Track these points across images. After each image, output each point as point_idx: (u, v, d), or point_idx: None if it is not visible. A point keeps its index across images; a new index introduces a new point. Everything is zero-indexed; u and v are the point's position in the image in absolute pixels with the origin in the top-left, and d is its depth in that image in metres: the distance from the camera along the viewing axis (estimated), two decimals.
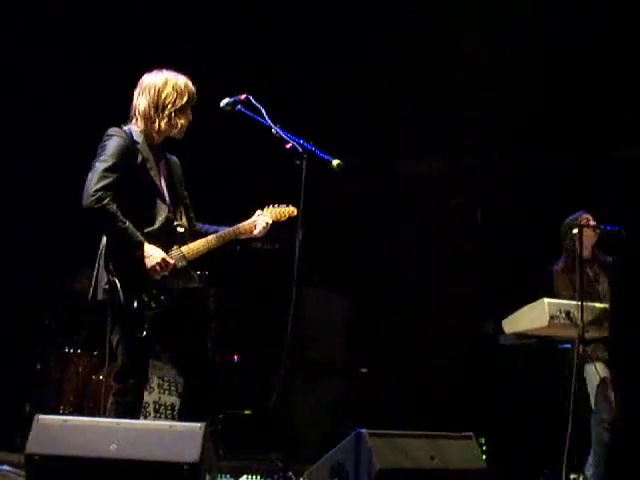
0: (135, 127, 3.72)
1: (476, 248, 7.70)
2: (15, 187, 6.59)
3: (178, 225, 3.74)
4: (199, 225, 3.94)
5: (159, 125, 3.70)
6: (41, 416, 3.12)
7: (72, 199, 6.55)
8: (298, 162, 3.46)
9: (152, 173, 3.69)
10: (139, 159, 3.67)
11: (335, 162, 3.45)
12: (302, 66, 7.28)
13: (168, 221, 3.69)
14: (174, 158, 3.93)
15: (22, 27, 6.62)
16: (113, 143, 3.62)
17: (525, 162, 7.49)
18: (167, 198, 3.72)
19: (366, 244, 7.93)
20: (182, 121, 3.74)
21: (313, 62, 7.29)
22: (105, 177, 3.53)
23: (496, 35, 6.75)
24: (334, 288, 7.80)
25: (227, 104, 3.75)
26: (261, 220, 3.90)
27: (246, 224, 3.90)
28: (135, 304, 3.53)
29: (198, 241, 3.77)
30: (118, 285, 3.52)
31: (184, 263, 3.69)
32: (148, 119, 3.71)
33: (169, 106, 3.70)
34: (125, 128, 3.70)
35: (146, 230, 3.61)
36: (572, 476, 4.91)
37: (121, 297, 3.51)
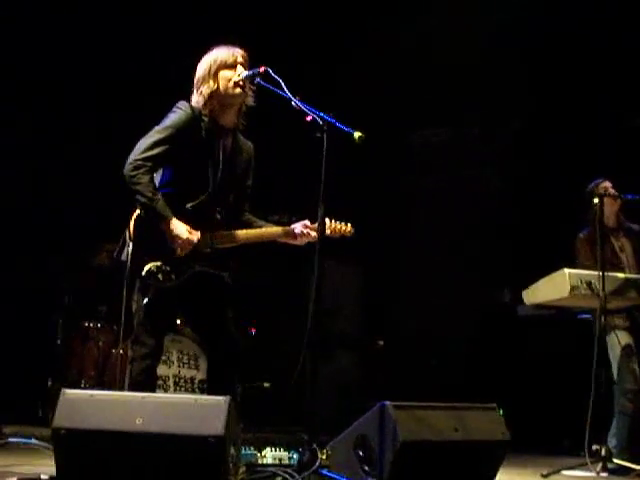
0: (199, 105, 3.75)
1: (493, 216, 7.67)
2: (33, 162, 6.61)
3: (216, 210, 3.75)
4: (251, 217, 3.93)
5: (202, 94, 3.72)
6: (67, 390, 3.14)
7: (88, 175, 6.61)
8: (319, 135, 3.42)
9: (208, 152, 3.71)
10: (201, 135, 3.69)
11: (357, 134, 3.39)
12: (306, 39, 7.23)
13: (207, 203, 3.70)
14: (248, 144, 3.93)
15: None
16: (175, 116, 3.68)
17: (542, 129, 7.43)
18: (214, 180, 3.72)
19: (381, 216, 7.92)
20: (212, 86, 3.71)
21: (320, 35, 7.24)
22: (151, 148, 3.60)
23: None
24: (349, 261, 7.80)
25: (246, 77, 3.72)
26: (305, 230, 3.84)
27: (289, 230, 3.85)
28: (143, 272, 3.59)
29: (232, 232, 3.77)
30: (129, 251, 3.62)
31: (208, 250, 3.70)
32: (196, 91, 3.76)
33: (198, 79, 3.76)
34: (194, 104, 3.74)
35: (182, 206, 3.65)
36: (594, 447, 4.92)
37: (129, 262, 3.60)
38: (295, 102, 3.55)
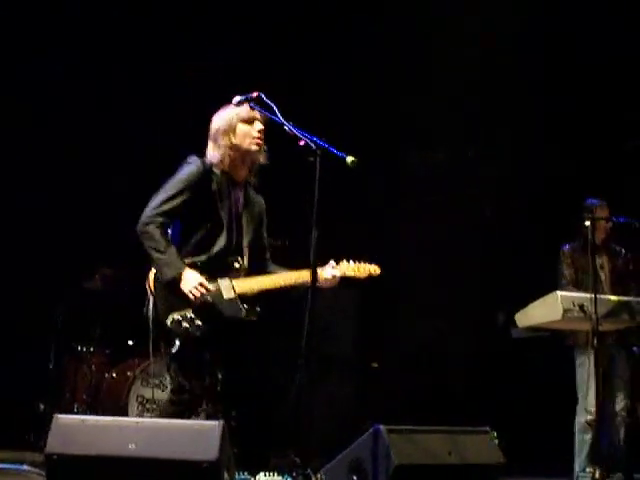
0: (213, 160, 3.81)
1: (486, 240, 7.70)
2: (32, 187, 6.62)
3: (234, 260, 3.80)
4: (275, 267, 3.97)
5: (220, 146, 3.79)
6: (60, 416, 3.14)
7: (86, 199, 6.61)
8: (312, 159, 3.44)
9: (220, 205, 3.77)
10: (212, 189, 3.76)
11: (349, 159, 3.42)
12: (302, 63, 7.28)
13: (223, 254, 3.76)
14: (258, 197, 4.00)
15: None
16: (186, 170, 3.77)
17: (537, 152, 7.47)
18: (229, 232, 3.77)
19: (376, 237, 7.93)
20: (231, 140, 3.78)
21: (314, 59, 7.29)
22: (164, 203, 3.70)
23: (498, 20, 6.77)
24: (344, 282, 7.79)
25: (239, 102, 3.75)
26: (328, 272, 3.86)
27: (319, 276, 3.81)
28: (168, 322, 3.64)
29: (253, 278, 3.81)
30: (151, 303, 3.70)
31: (232, 295, 3.74)
32: (213, 143, 3.83)
33: (216, 131, 3.83)
34: (206, 159, 3.81)
35: (198, 258, 3.72)
36: (588, 469, 4.94)
37: (152, 314, 3.69)
38: (288, 127, 3.57)
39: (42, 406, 5.98)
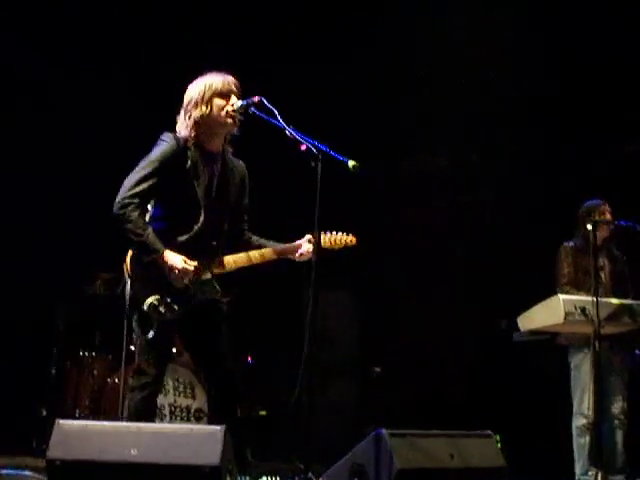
0: (183, 132, 3.75)
1: (486, 244, 7.69)
2: (33, 191, 6.63)
3: (212, 237, 3.75)
4: (251, 236, 3.94)
5: (191, 117, 3.72)
6: (61, 421, 3.13)
7: (86, 203, 6.62)
8: (313, 164, 3.44)
9: (196, 182, 3.70)
10: (187, 165, 3.69)
11: (351, 163, 3.41)
12: (303, 66, 7.29)
13: (202, 232, 3.70)
14: (239, 164, 3.93)
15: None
16: (158, 149, 3.70)
17: (538, 156, 7.47)
18: (207, 209, 3.72)
19: (377, 243, 7.92)
20: (203, 112, 3.71)
21: (314, 62, 7.30)
22: (137, 185, 3.62)
23: (498, 23, 6.78)
24: (346, 288, 7.79)
25: (240, 107, 3.74)
26: (306, 246, 3.82)
27: (289, 247, 3.86)
28: (145, 306, 3.60)
29: (230, 256, 3.78)
30: (128, 286, 3.67)
31: (209, 275, 3.71)
32: (184, 114, 3.76)
33: (188, 103, 3.76)
34: (177, 129, 3.76)
35: (177, 239, 3.67)
36: (590, 472, 4.93)
37: (129, 297, 3.66)
38: (289, 131, 3.55)
39: (44, 411, 5.99)
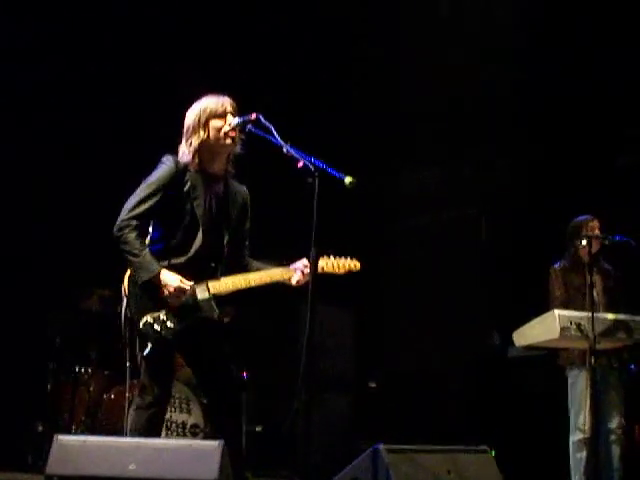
0: (184, 158, 3.79)
1: (481, 259, 7.72)
2: (27, 206, 6.64)
3: (210, 259, 3.77)
4: (250, 261, 3.95)
5: (192, 144, 3.76)
6: (60, 436, 3.14)
7: (82, 219, 6.64)
8: (310, 180, 3.46)
9: (195, 203, 3.74)
10: (186, 188, 3.74)
11: (348, 180, 3.42)
12: (297, 83, 7.33)
13: (201, 254, 3.73)
14: (242, 188, 3.95)
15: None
16: (158, 171, 3.75)
17: (530, 171, 7.52)
18: (206, 231, 3.74)
19: (372, 257, 7.94)
20: (202, 137, 3.75)
21: (310, 79, 7.34)
22: (136, 207, 3.68)
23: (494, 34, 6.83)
24: (340, 303, 7.80)
25: (237, 124, 3.77)
26: (306, 271, 3.79)
27: (284, 272, 3.84)
28: (141, 325, 3.64)
29: (228, 278, 3.79)
30: (124, 305, 3.71)
31: (206, 296, 3.73)
32: (185, 141, 3.81)
33: (187, 129, 3.81)
34: (179, 156, 3.79)
35: (175, 260, 3.71)
36: None
37: (124, 316, 3.70)
38: (286, 148, 3.56)
39: (40, 427, 5.97)
